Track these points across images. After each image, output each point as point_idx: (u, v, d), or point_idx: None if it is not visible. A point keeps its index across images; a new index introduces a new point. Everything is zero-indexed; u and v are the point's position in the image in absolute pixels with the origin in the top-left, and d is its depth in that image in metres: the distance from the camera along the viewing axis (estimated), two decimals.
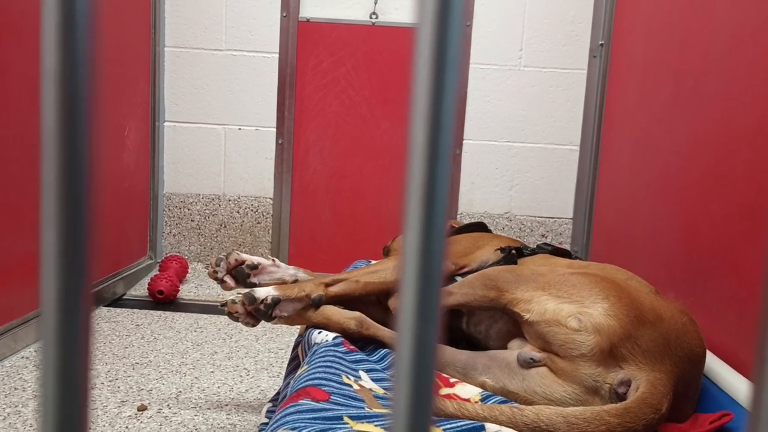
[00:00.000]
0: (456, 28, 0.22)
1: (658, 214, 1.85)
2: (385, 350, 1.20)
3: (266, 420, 1.33)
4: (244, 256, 1.37)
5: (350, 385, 0.99)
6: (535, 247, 1.40)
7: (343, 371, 1.03)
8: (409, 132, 0.22)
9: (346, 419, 0.86)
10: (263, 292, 1.22)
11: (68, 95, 0.21)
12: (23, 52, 1.89)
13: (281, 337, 2.24)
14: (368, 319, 1.22)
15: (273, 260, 1.40)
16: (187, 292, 2.73)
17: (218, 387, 1.80)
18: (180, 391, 1.75)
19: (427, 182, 0.22)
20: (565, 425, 0.87)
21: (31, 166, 1.93)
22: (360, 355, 1.13)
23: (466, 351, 1.12)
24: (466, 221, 1.92)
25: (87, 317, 0.22)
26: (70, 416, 0.22)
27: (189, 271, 2.94)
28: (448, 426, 0.87)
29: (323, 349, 1.12)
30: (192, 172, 3.06)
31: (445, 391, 1.03)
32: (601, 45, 2.82)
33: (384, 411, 0.92)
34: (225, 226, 3.09)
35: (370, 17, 2.94)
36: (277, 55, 2.97)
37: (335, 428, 0.83)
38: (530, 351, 1.03)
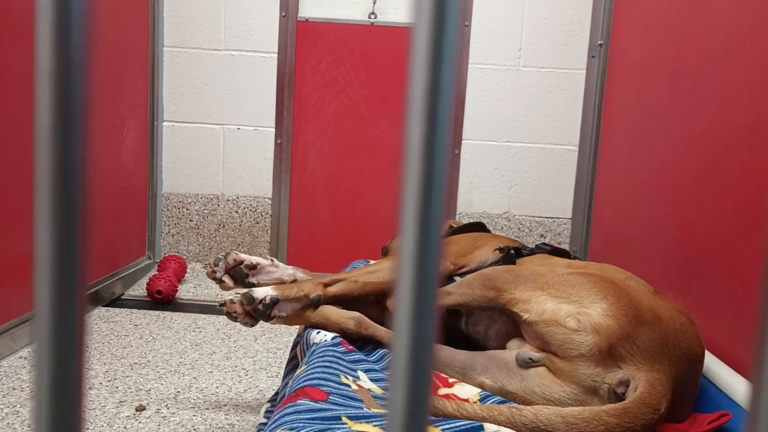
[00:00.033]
0: (452, 27, 0.22)
1: (655, 214, 1.86)
2: (383, 350, 1.20)
3: (265, 420, 1.33)
4: (243, 256, 1.37)
5: (349, 385, 0.99)
6: (533, 247, 1.40)
7: (341, 371, 1.03)
8: (406, 131, 0.22)
9: (344, 419, 0.86)
10: (262, 292, 1.22)
11: (63, 95, 0.21)
12: (23, 52, 1.89)
13: (280, 337, 2.24)
14: (367, 319, 1.22)
15: (271, 260, 1.40)
16: (185, 292, 2.73)
17: (217, 387, 1.80)
18: (178, 391, 1.75)
19: (423, 182, 0.22)
20: (564, 425, 0.87)
21: (30, 166, 1.93)
22: (358, 355, 1.13)
23: (465, 351, 1.12)
24: (465, 221, 1.92)
25: (81, 317, 0.22)
26: (64, 417, 0.22)
27: (187, 271, 2.94)
28: (447, 426, 0.87)
29: (322, 349, 1.12)
30: (191, 171, 3.05)
31: (443, 391, 1.03)
32: (600, 45, 2.82)
33: (383, 411, 0.92)
34: (224, 226, 3.08)
35: (369, 17, 2.94)
36: (276, 55, 2.97)
37: (334, 428, 0.83)
38: (529, 351, 1.03)
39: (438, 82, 0.22)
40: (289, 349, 1.60)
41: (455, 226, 1.69)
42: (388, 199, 3.03)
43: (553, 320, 0.99)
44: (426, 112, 0.22)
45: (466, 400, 0.99)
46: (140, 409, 1.63)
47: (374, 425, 0.86)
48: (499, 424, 0.88)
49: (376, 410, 0.92)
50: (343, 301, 1.28)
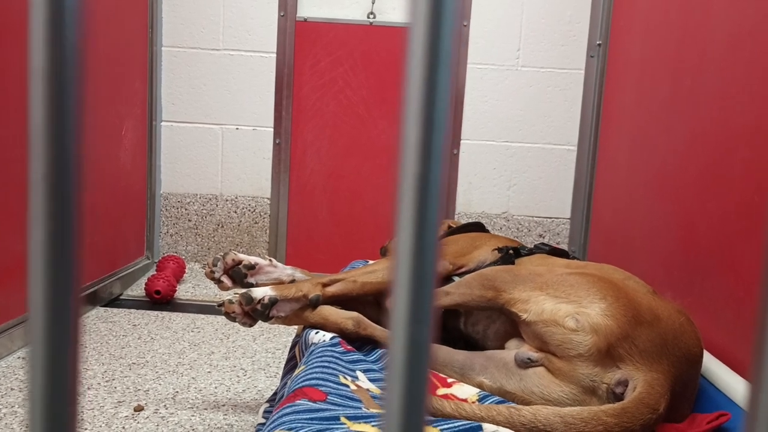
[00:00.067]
0: (448, 27, 0.21)
1: (656, 214, 1.85)
2: (382, 350, 1.19)
3: (263, 420, 1.33)
4: (242, 256, 1.36)
5: (347, 386, 0.99)
6: (532, 247, 1.40)
7: (340, 371, 1.03)
8: (402, 131, 0.22)
9: (343, 419, 0.86)
10: (260, 292, 1.22)
11: (56, 93, 0.21)
12: (24, 52, 1.88)
13: (278, 337, 2.24)
14: (365, 319, 1.22)
15: (270, 260, 1.39)
16: (184, 292, 2.73)
17: (215, 387, 1.80)
18: (177, 392, 1.75)
19: (419, 182, 0.22)
20: (563, 425, 0.87)
21: None
22: (357, 356, 1.13)
23: (464, 351, 1.11)
24: (464, 221, 1.91)
25: (76, 316, 0.22)
26: (59, 416, 0.22)
27: (186, 271, 2.94)
28: (446, 426, 0.87)
29: (320, 349, 1.12)
30: (189, 172, 3.05)
31: (442, 391, 1.03)
32: (599, 45, 2.82)
33: (381, 411, 0.91)
34: (222, 226, 3.08)
35: (368, 17, 2.94)
36: (275, 55, 2.97)
37: (332, 428, 0.83)
38: (528, 351, 1.03)
39: (434, 82, 0.22)
40: (288, 349, 1.60)
41: (454, 226, 1.69)
42: (387, 199, 3.03)
43: (551, 320, 0.99)
44: (422, 113, 0.22)
45: (465, 400, 0.99)
46: (138, 409, 1.62)
47: (373, 425, 0.86)
48: (497, 424, 0.88)
49: (374, 410, 0.92)
50: (342, 301, 1.28)
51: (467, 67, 2.94)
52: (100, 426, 1.53)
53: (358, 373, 1.06)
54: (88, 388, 1.73)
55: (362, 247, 2.98)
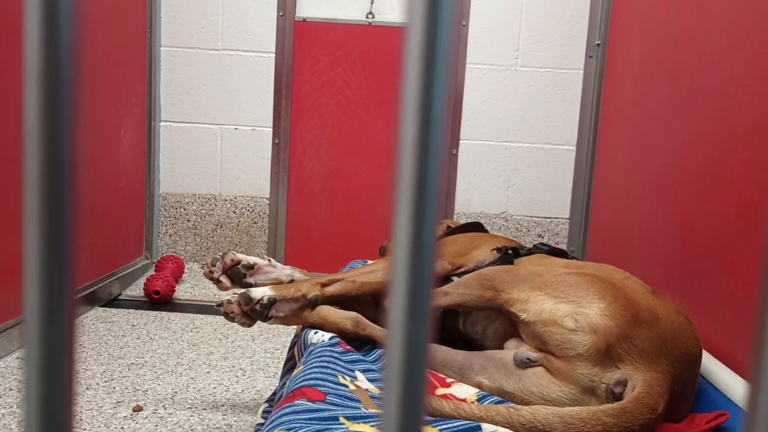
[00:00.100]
0: (445, 27, 0.21)
1: (655, 214, 1.85)
2: (381, 350, 1.19)
3: (262, 420, 1.33)
4: (240, 256, 1.36)
5: (346, 386, 0.99)
6: (531, 247, 1.40)
7: (339, 371, 1.03)
8: (399, 131, 0.22)
9: (342, 420, 0.86)
10: (259, 293, 1.22)
11: (51, 93, 0.21)
12: (21, 53, 1.88)
13: (277, 337, 2.24)
14: (364, 319, 1.22)
15: (269, 260, 1.39)
16: (183, 292, 2.72)
17: (214, 387, 1.80)
18: (176, 392, 1.75)
19: (417, 180, 0.22)
20: (562, 425, 0.87)
21: None
22: (356, 356, 1.13)
23: (463, 351, 1.11)
24: (463, 221, 1.91)
25: (71, 316, 0.22)
26: (54, 416, 0.22)
27: (185, 271, 2.94)
28: (445, 426, 0.87)
29: (319, 349, 1.11)
30: (188, 172, 3.05)
31: (441, 391, 1.03)
32: (598, 45, 2.82)
33: (380, 411, 0.91)
34: (221, 226, 3.08)
35: (367, 17, 2.93)
36: (274, 55, 2.96)
37: (331, 429, 0.83)
38: (527, 351, 1.03)
39: (431, 80, 0.22)
40: (287, 349, 1.60)
41: (453, 226, 1.69)
42: (386, 199, 3.03)
43: (550, 320, 0.99)
44: (419, 111, 0.22)
45: (464, 400, 0.99)
46: (137, 409, 1.62)
47: (372, 425, 0.86)
48: (496, 424, 0.88)
49: (373, 410, 0.92)
50: (341, 301, 1.28)
51: (466, 67, 2.94)
52: (99, 426, 1.53)
53: (357, 373, 1.06)
54: (87, 388, 1.73)
55: (361, 247, 2.98)
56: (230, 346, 2.13)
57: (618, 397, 0.93)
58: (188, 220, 3.08)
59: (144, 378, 1.82)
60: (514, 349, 1.06)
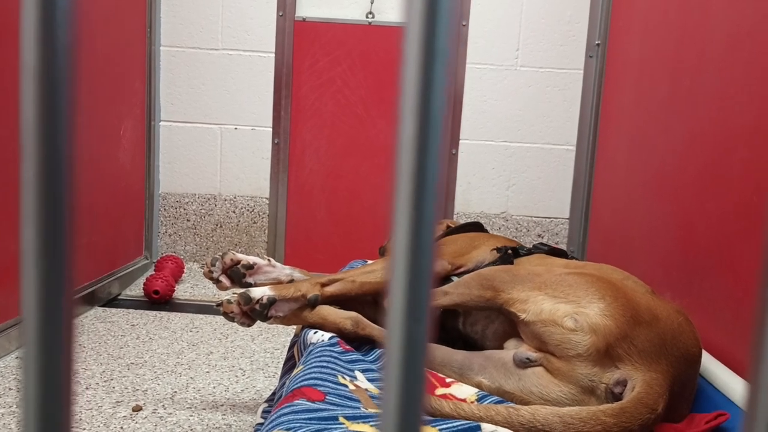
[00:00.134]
0: (444, 26, 0.21)
1: (655, 214, 1.85)
2: (381, 350, 1.19)
3: (262, 420, 1.32)
4: (240, 255, 1.36)
5: (346, 386, 0.99)
6: (531, 247, 1.40)
7: (338, 371, 1.03)
8: (398, 130, 0.22)
9: (341, 419, 0.86)
10: (259, 292, 1.22)
11: (48, 92, 0.21)
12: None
13: (277, 337, 2.24)
14: (364, 319, 1.22)
15: (269, 260, 1.39)
16: (182, 292, 2.72)
17: (214, 387, 1.80)
18: (175, 392, 1.75)
19: (416, 180, 0.22)
20: (561, 425, 0.87)
21: None
22: (356, 355, 1.13)
23: (463, 351, 1.11)
24: (463, 221, 1.91)
25: (69, 315, 0.22)
26: (51, 416, 0.22)
27: (185, 271, 2.94)
28: (444, 426, 0.87)
29: (319, 349, 1.11)
30: (188, 171, 3.05)
31: (441, 391, 1.03)
32: (598, 45, 2.82)
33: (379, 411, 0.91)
34: (221, 226, 3.08)
35: (367, 17, 2.93)
36: (273, 55, 2.96)
37: (331, 428, 0.82)
38: (526, 351, 1.03)
39: (430, 81, 0.22)
40: (286, 349, 1.60)
41: (453, 226, 1.69)
42: (386, 198, 3.03)
43: (550, 320, 0.99)
44: (418, 111, 0.22)
45: (464, 400, 0.99)
46: (137, 409, 1.62)
47: (371, 425, 0.86)
48: (496, 424, 0.88)
49: (373, 410, 0.92)
50: (341, 301, 1.28)
51: (466, 67, 2.94)
52: (99, 426, 1.53)
53: (357, 373, 1.06)
54: (87, 388, 1.73)
55: (361, 247, 2.98)
56: (230, 345, 2.13)
57: (617, 397, 0.93)
58: (188, 220, 3.08)
59: (143, 378, 1.82)
60: (513, 349, 1.06)
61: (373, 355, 1.18)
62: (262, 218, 3.07)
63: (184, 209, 3.07)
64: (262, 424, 1.28)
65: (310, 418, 0.85)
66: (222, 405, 1.69)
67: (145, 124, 2.93)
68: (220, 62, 2.98)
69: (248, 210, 3.06)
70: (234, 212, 3.07)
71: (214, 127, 3.02)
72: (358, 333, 1.20)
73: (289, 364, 1.33)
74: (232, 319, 1.23)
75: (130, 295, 2.66)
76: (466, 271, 1.31)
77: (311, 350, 1.12)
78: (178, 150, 3.03)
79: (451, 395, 1.02)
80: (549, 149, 2.99)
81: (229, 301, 1.23)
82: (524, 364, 1.02)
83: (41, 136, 0.21)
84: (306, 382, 0.97)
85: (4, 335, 1.90)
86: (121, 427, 1.53)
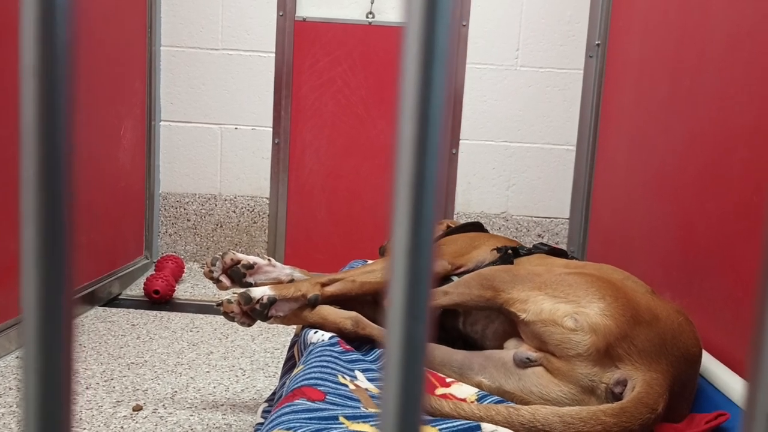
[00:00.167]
0: (443, 26, 0.21)
1: (655, 214, 1.85)
2: (381, 350, 1.19)
3: (262, 420, 1.32)
4: (240, 255, 1.36)
5: (346, 385, 0.99)
6: (531, 247, 1.40)
7: (339, 371, 1.03)
8: (397, 130, 0.22)
9: (341, 419, 0.86)
10: (259, 292, 1.22)
11: (47, 91, 0.21)
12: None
13: (277, 337, 2.24)
14: (364, 318, 1.22)
15: (269, 260, 1.39)
16: (183, 291, 2.72)
17: (214, 387, 1.80)
18: (175, 391, 1.75)
19: (415, 179, 0.22)
20: (562, 425, 0.87)
21: None
22: (356, 355, 1.13)
23: (463, 351, 1.11)
24: (463, 221, 1.91)
25: (69, 314, 0.22)
26: (51, 415, 0.22)
27: (185, 270, 2.94)
28: (444, 426, 0.87)
29: (319, 348, 1.11)
30: (188, 171, 3.05)
31: (441, 390, 1.03)
32: (598, 45, 2.82)
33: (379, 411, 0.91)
34: (221, 226, 3.08)
35: (367, 17, 2.93)
36: (274, 55, 2.96)
37: (331, 428, 0.83)
38: (526, 351, 1.03)
39: (430, 80, 0.22)
40: (287, 349, 1.60)
41: (453, 226, 1.69)
42: (386, 198, 3.03)
43: (550, 320, 0.99)
44: (418, 111, 0.22)
45: (464, 400, 0.99)
46: (137, 409, 1.62)
47: (371, 425, 0.86)
48: (496, 423, 0.88)
49: (373, 410, 0.92)
50: (341, 300, 1.28)
51: (466, 67, 2.94)
52: (99, 426, 1.53)
53: (357, 373, 1.06)
54: (87, 388, 1.73)
55: (361, 247, 2.98)
56: (230, 345, 2.13)
57: (618, 397, 0.93)
58: (188, 220, 3.08)
59: (144, 377, 1.82)
60: (513, 349, 1.06)
61: (373, 355, 1.18)
62: (263, 218, 3.07)
63: (185, 209, 3.07)
64: (262, 423, 1.28)
65: (310, 418, 0.85)
66: (222, 405, 1.69)
67: (146, 123, 2.93)
68: (220, 62, 2.98)
69: (248, 210, 3.06)
70: (234, 212, 3.07)
71: (215, 127, 3.02)
72: (359, 333, 1.20)
73: (290, 363, 1.33)
74: (232, 319, 1.23)
75: (131, 294, 2.66)
76: (466, 271, 1.31)
77: (311, 350, 1.12)
78: (179, 150, 3.03)
79: (451, 395, 1.02)
80: (549, 149, 2.99)
81: (229, 301, 1.23)
82: (524, 363, 1.02)
83: (41, 136, 0.21)
84: (306, 382, 0.97)
85: (4, 335, 1.90)
86: (122, 427, 1.53)
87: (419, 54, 0.22)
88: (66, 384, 0.22)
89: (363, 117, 2.99)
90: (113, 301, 2.56)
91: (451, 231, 1.61)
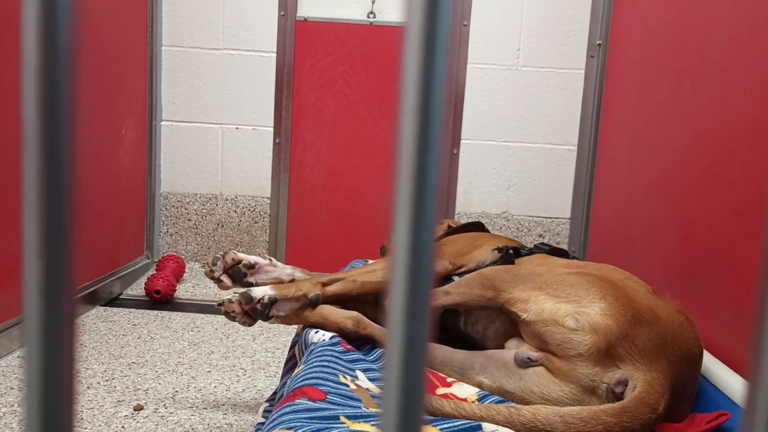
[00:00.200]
0: (444, 26, 0.21)
1: (656, 214, 1.85)
2: (382, 350, 1.19)
3: (263, 420, 1.33)
4: (241, 255, 1.36)
5: (347, 385, 0.99)
6: (532, 246, 1.40)
7: (339, 371, 1.03)
8: (398, 130, 0.22)
9: (342, 419, 0.86)
10: (260, 292, 1.22)
11: (49, 90, 0.21)
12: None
13: (278, 336, 2.24)
14: (365, 318, 1.22)
15: (270, 260, 1.39)
16: (184, 291, 2.73)
17: (215, 387, 1.80)
18: (176, 391, 1.75)
19: (416, 179, 0.22)
20: (562, 425, 0.87)
21: None
22: (357, 355, 1.13)
23: (464, 351, 1.11)
24: (464, 221, 1.91)
25: (70, 313, 0.22)
26: (52, 413, 0.22)
27: (186, 270, 2.94)
28: (445, 425, 0.87)
29: (320, 348, 1.11)
30: (189, 171, 3.05)
31: (442, 390, 1.03)
32: (599, 45, 2.82)
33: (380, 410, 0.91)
34: (222, 226, 3.08)
35: (368, 17, 2.93)
36: (275, 55, 2.97)
37: (332, 428, 0.83)
38: (527, 350, 1.03)
39: (430, 80, 0.22)
40: (288, 348, 1.60)
41: (454, 225, 1.69)
42: (387, 198, 3.03)
43: (551, 320, 0.99)
44: (418, 111, 0.22)
45: (465, 400, 0.99)
46: (138, 408, 1.62)
47: (372, 425, 0.86)
48: (497, 423, 0.88)
49: (374, 410, 0.92)
50: (342, 300, 1.28)
51: (467, 67, 2.94)
52: (100, 425, 1.53)
53: (358, 373, 1.06)
54: (88, 388, 1.73)
55: (362, 247, 2.98)
56: (231, 345, 2.13)
57: (619, 397, 0.93)
58: (189, 220, 3.08)
59: (145, 377, 1.82)
60: (514, 349, 1.06)
61: (374, 355, 1.18)
62: (264, 218, 3.07)
63: (186, 209, 3.07)
64: (263, 423, 1.28)
65: (311, 418, 0.85)
66: (223, 404, 1.69)
67: (147, 123, 2.93)
68: (221, 62, 2.98)
69: (249, 210, 3.07)
70: (235, 212, 3.07)
71: (216, 127, 3.02)
72: (359, 332, 1.20)
73: (291, 363, 1.33)
74: (233, 319, 1.23)
75: (132, 294, 2.67)
76: (467, 271, 1.31)
77: (312, 350, 1.12)
78: (180, 149, 3.03)
79: (452, 395, 1.02)
80: (550, 149, 2.98)
81: (230, 301, 1.23)
82: (525, 363, 1.02)
83: (42, 135, 0.21)
84: (307, 382, 0.97)
85: (6, 334, 1.90)
86: (123, 427, 1.53)
87: (420, 54, 0.22)
88: (67, 383, 0.22)
89: (364, 117, 2.99)
90: (114, 301, 2.56)
91: (452, 231, 1.61)
